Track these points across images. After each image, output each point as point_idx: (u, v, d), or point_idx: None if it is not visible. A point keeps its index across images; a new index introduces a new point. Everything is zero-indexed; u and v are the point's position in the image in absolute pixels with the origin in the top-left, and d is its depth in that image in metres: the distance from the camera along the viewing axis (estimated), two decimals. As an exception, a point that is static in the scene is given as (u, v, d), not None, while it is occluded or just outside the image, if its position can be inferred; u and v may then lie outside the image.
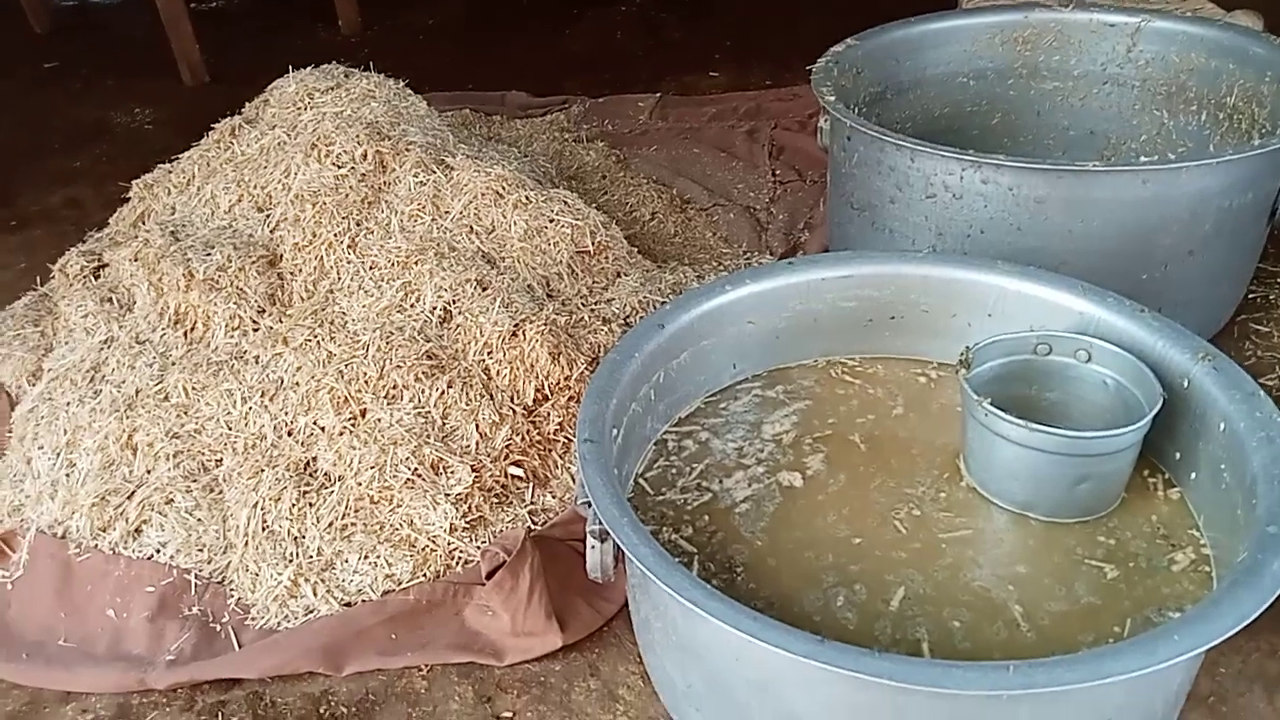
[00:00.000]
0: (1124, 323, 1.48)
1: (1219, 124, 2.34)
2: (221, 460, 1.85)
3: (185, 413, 1.91)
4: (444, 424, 1.80)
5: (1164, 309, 1.51)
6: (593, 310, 2.08)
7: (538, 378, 1.88)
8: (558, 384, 1.89)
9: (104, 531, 1.80)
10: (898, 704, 1.05)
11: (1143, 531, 1.37)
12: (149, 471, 1.85)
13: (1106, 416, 1.45)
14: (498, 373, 1.88)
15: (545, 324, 1.90)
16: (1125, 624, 1.24)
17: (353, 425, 1.79)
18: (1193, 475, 1.39)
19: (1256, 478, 1.21)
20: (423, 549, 1.69)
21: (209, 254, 2.09)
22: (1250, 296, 2.32)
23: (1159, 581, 1.30)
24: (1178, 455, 1.42)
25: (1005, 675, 0.98)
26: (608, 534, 1.22)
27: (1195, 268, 1.96)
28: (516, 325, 1.89)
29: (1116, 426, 1.34)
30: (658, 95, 3.65)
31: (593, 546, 1.26)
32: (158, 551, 1.77)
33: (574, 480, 1.85)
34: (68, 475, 1.88)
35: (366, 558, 1.69)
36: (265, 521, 1.73)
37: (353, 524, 1.72)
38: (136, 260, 2.18)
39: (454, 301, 1.95)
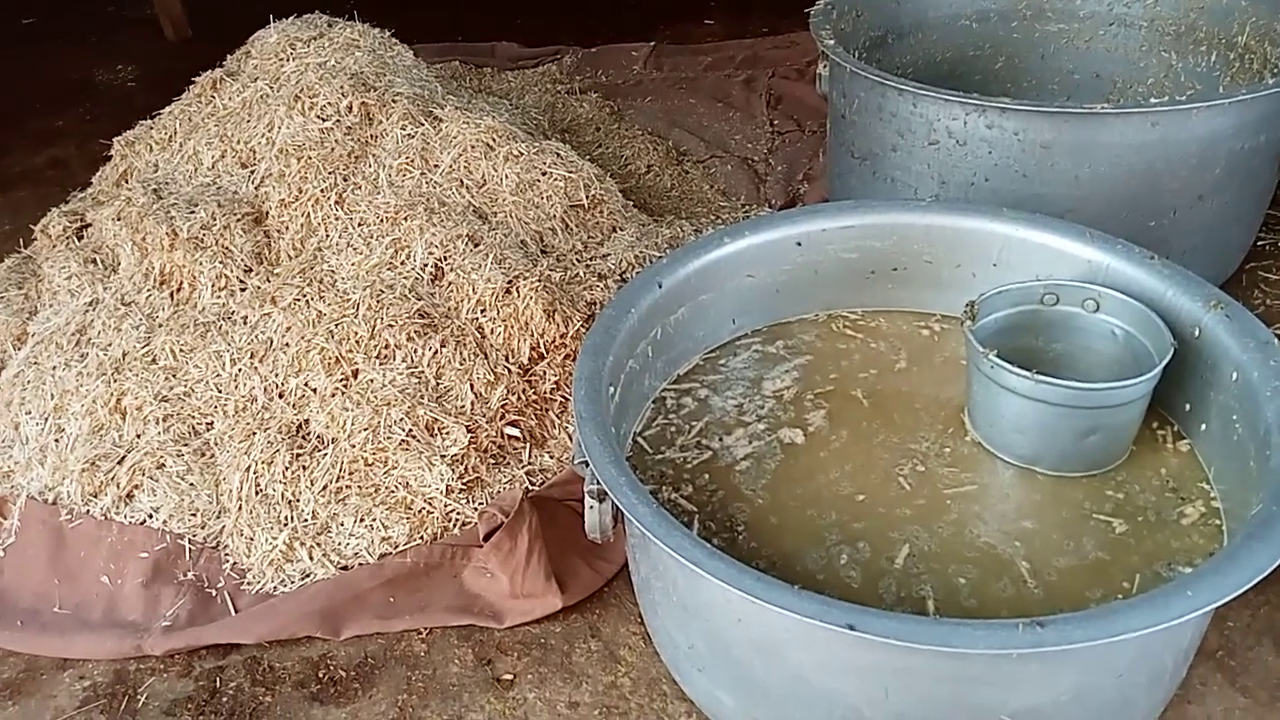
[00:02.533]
0: (1133, 270, 1.44)
1: (1229, 65, 2.28)
2: (212, 423, 1.82)
3: (174, 375, 1.87)
4: (438, 384, 1.77)
5: (1171, 257, 1.47)
6: (588, 266, 2.03)
7: (533, 335, 1.84)
8: (553, 342, 1.85)
9: (95, 497, 1.77)
10: (905, 663, 1.03)
11: (1151, 485, 1.35)
12: (139, 436, 1.82)
13: (1115, 367, 1.42)
14: (492, 331, 1.84)
15: (539, 280, 1.86)
16: (1134, 579, 1.22)
17: (345, 386, 1.75)
18: (1203, 427, 1.36)
19: (1271, 428, 1.18)
20: (419, 511, 1.67)
21: (193, 212, 2.03)
22: (1259, 244, 2.28)
23: (1168, 535, 1.28)
24: (1188, 406, 1.39)
25: (1014, 634, 0.95)
26: (606, 494, 1.19)
27: (1205, 213, 1.91)
28: (510, 282, 1.85)
29: (1125, 377, 1.30)
30: (652, 44, 3.56)
31: (591, 507, 1.23)
32: (150, 517, 1.75)
33: (571, 440, 1.82)
34: (56, 441, 1.85)
35: (362, 520, 1.67)
36: (258, 485, 1.70)
37: (347, 487, 1.69)
38: (119, 220, 2.12)
39: (445, 258, 1.90)
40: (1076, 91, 2.54)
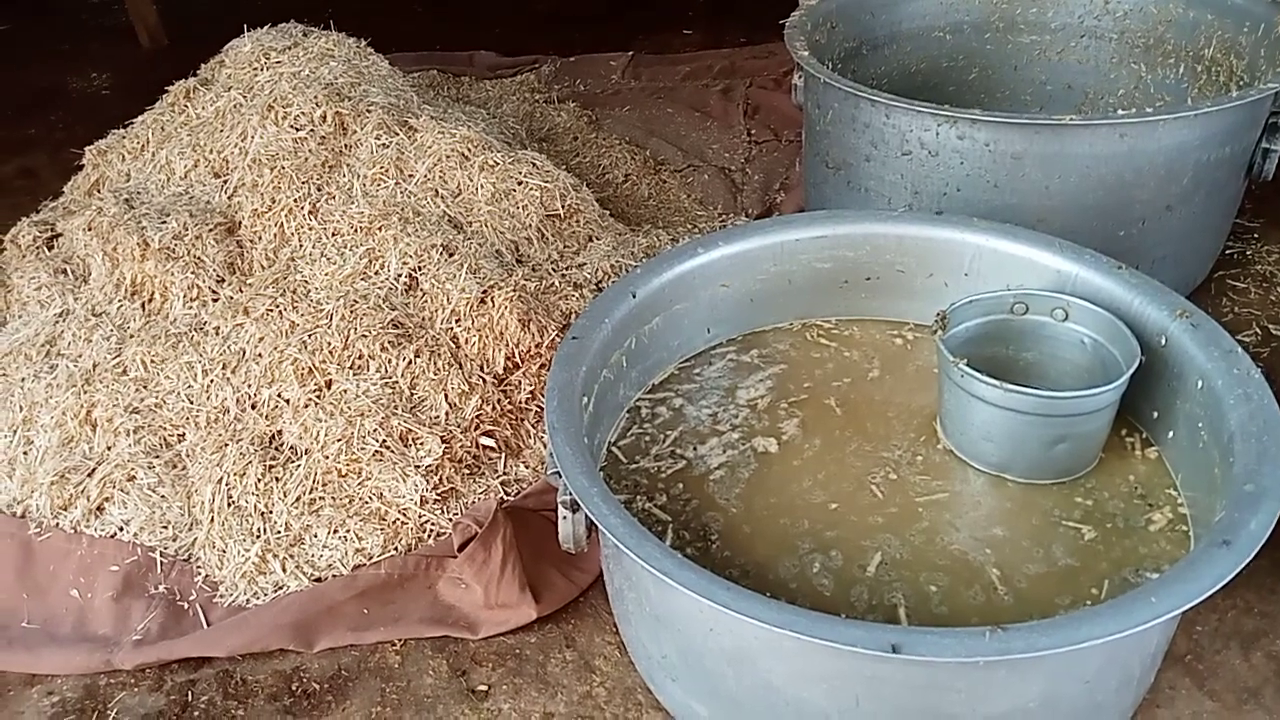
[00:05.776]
0: (1102, 280, 1.46)
1: (1196, 77, 2.31)
2: (184, 435, 1.80)
3: (145, 387, 1.86)
4: (412, 394, 1.76)
5: (1141, 266, 1.49)
6: (563, 275, 2.03)
7: (508, 345, 1.84)
8: (528, 351, 1.85)
9: (65, 510, 1.75)
10: (874, 672, 1.04)
11: (1120, 492, 1.36)
12: (109, 448, 1.80)
13: (1084, 376, 1.44)
14: (466, 341, 1.84)
15: (514, 290, 1.85)
16: (1103, 585, 1.23)
17: (318, 397, 1.74)
18: (1170, 434, 1.38)
19: (1234, 435, 1.20)
20: (393, 522, 1.66)
21: (164, 222, 2.02)
22: (1227, 252, 2.31)
23: (1136, 542, 1.29)
24: (1155, 414, 1.41)
25: (982, 642, 0.96)
26: (579, 505, 1.19)
27: (1173, 223, 1.94)
28: (485, 292, 1.85)
29: (1094, 386, 1.32)
30: (630, 54, 3.57)
31: (564, 517, 1.23)
32: (121, 530, 1.72)
33: (546, 449, 1.81)
34: (25, 453, 1.82)
35: (336, 532, 1.65)
36: (231, 497, 1.69)
37: (321, 498, 1.68)
38: (90, 230, 2.10)
39: (420, 268, 1.89)
40: (1049, 103, 2.57)
